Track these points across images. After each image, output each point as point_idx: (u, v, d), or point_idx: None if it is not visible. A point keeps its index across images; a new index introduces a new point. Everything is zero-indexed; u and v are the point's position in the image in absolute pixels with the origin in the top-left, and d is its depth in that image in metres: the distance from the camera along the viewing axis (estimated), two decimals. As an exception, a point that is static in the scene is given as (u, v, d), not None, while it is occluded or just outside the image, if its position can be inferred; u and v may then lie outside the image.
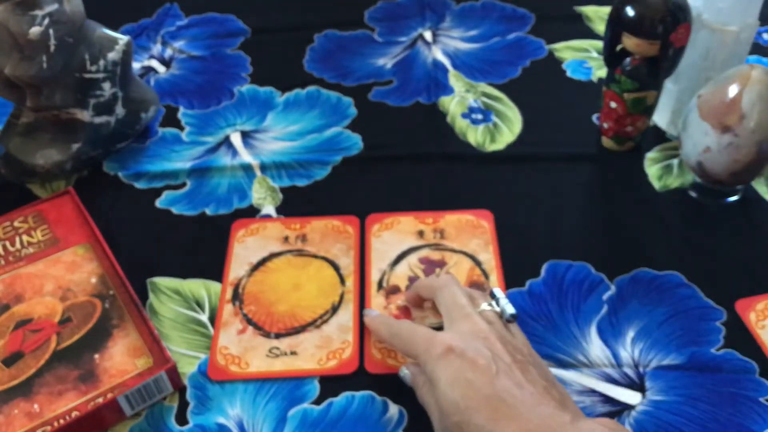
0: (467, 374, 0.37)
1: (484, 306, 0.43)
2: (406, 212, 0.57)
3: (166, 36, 0.78)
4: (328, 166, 0.62)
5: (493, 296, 0.45)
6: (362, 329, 0.49)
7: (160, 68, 0.74)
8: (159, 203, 0.59)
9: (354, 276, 0.52)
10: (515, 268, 0.52)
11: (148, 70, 0.73)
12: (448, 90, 0.70)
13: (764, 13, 0.57)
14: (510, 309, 0.44)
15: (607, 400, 0.45)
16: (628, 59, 0.56)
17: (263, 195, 0.59)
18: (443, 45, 0.75)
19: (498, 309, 0.44)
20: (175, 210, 0.58)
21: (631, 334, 0.48)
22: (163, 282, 0.52)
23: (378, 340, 0.48)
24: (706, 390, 0.45)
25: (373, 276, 0.52)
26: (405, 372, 0.44)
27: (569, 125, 0.65)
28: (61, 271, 0.51)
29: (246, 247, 0.55)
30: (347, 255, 0.54)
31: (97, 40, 0.58)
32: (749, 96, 0.49)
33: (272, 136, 0.65)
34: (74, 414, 0.43)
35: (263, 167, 0.62)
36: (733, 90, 0.50)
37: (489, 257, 0.53)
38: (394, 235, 0.55)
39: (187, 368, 0.47)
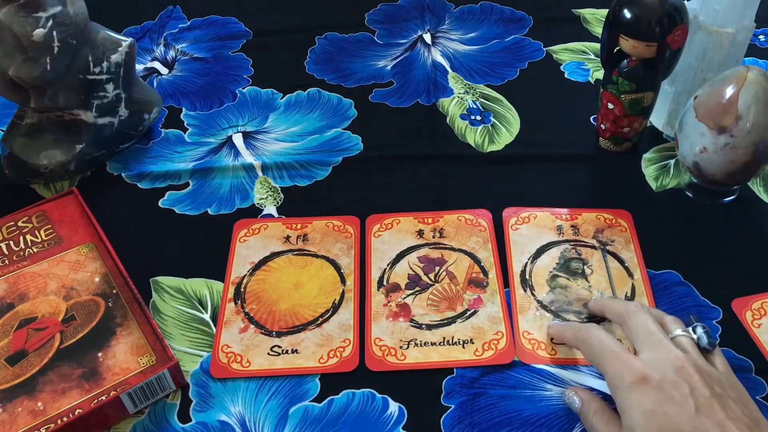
0: (664, 407, 0.36)
1: (679, 332, 0.41)
2: (406, 212, 0.57)
3: (169, 38, 0.78)
4: (329, 167, 0.62)
5: (689, 324, 0.42)
6: (362, 328, 0.49)
7: (163, 70, 0.74)
8: (162, 203, 0.59)
9: (354, 275, 0.53)
10: (514, 268, 0.53)
11: (151, 71, 0.74)
12: (447, 91, 0.70)
13: (760, 15, 0.58)
14: (706, 337, 0.41)
15: (605, 397, 0.45)
16: (625, 61, 0.57)
17: (265, 195, 0.60)
18: (442, 47, 0.76)
19: (695, 336, 0.41)
20: (177, 210, 0.59)
21: (628, 332, 0.49)
22: (166, 281, 0.53)
23: (559, 341, 0.47)
24: (702, 387, 0.45)
25: (374, 274, 0.53)
26: (572, 397, 0.43)
27: (567, 126, 0.66)
28: (64, 270, 0.52)
29: (248, 247, 0.55)
30: (348, 254, 0.54)
31: (101, 42, 0.59)
32: (745, 97, 0.49)
33: (274, 137, 0.65)
34: (78, 412, 0.43)
35: (265, 168, 0.62)
36: (729, 91, 0.50)
37: (488, 255, 0.54)
38: (394, 235, 0.55)
39: (190, 366, 0.48)
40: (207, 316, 0.51)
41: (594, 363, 0.41)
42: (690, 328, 0.42)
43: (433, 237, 0.55)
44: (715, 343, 0.41)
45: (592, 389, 0.45)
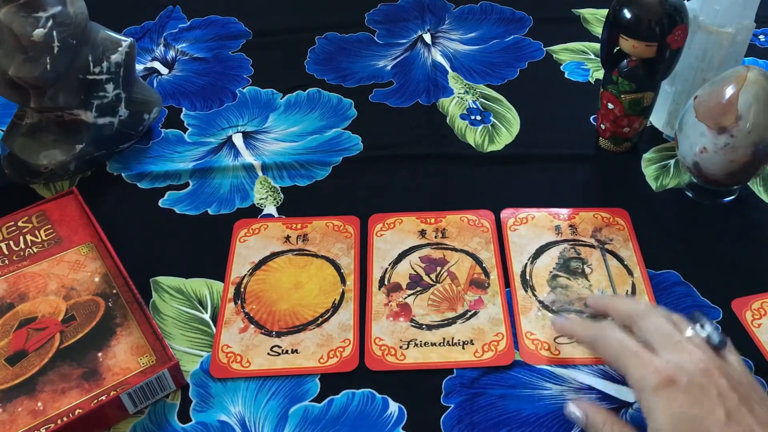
0: (693, 411, 0.35)
1: (689, 332, 0.39)
2: (409, 212, 0.57)
3: (169, 38, 0.78)
4: (329, 167, 0.62)
5: (694, 320, 0.41)
6: (362, 328, 0.49)
7: (163, 70, 0.74)
8: (162, 203, 0.59)
9: (354, 275, 0.53)
10: (514, 268, 0.53)
11: (151, 71, 0.74)
12: (447, 91, 0.70)
13: (760, 15, 0.58)
14: (717, 334, 0.39)
15: (605, 397, 0.45)
16: (625, 61, 0.57)
17: (265, 195, 0.60)
18: (442, 47, 0.76)
19: (704, 334, 0.39)
20: (177, 210, 0.59)
21: (628, 332, 0.49)
22: (166, 281, 0.53)
23: (567, 337, 0.46)
24: (702, 387, 0.45)
25: (375, 274, 0.53)
26: (574, 411, 0.41)
27: (567, 126, 0.66)
28: (64, 270, 0.52)
29: (248, 247, 0.55)
30: (348, 254, 0.54)
31: (101, 42, 0.59)
32: (745, 97, 0.49)
33: (273, 137, 0.65)
34: (78, 412, 0.43)
35: (265, 167, 0.62)
36: (729, 91, 0.50)
37: (489, 256, 0.54)
38: (397, 235, 0.55)
39: (190, 366, 0.48)
40: (207, 316, 0.51)
41: (613, 364, 0.40)
42: (698, 326, 0.40)
43: (436, 237, 0.55)
44: (726, 341, 0.40)
45: (591, 388, 0.45)
